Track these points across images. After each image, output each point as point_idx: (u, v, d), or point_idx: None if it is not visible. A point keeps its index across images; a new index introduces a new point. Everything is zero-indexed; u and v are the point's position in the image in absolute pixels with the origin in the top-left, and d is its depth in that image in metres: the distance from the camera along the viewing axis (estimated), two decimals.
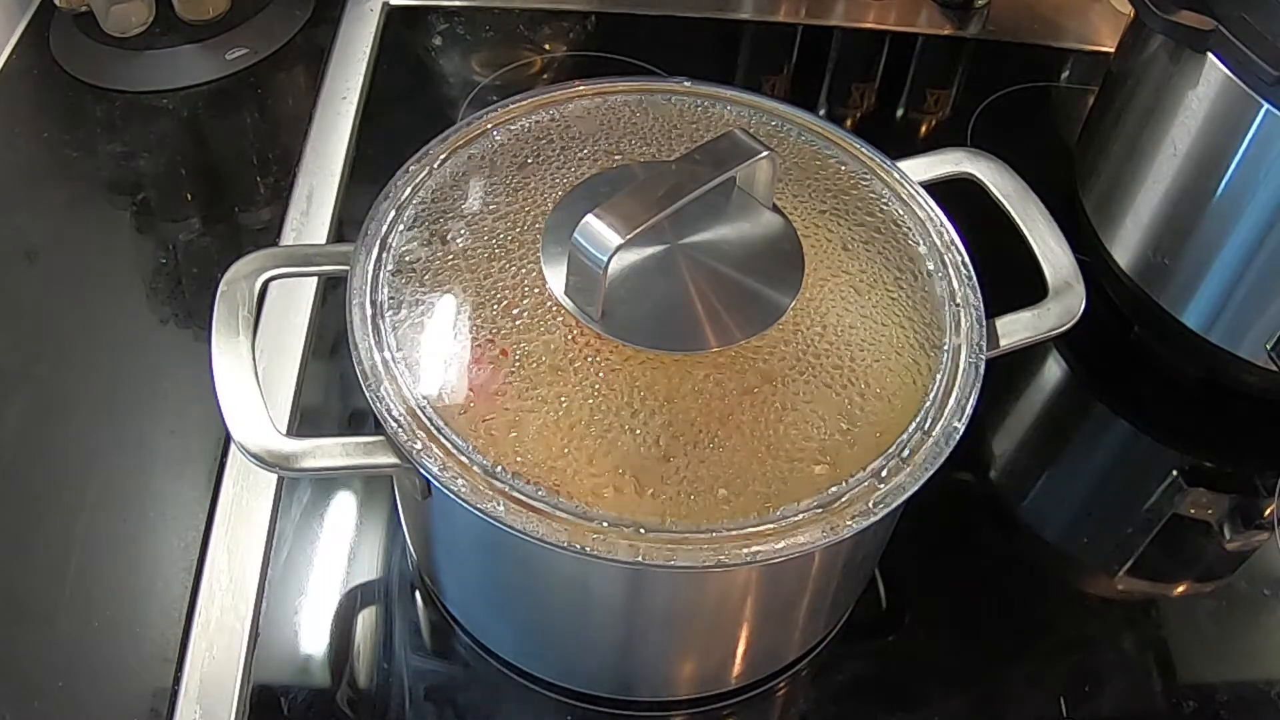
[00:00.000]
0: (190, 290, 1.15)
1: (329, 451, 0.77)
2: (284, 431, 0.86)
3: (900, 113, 1.43)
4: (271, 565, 0.97)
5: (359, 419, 1.07)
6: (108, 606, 0.95)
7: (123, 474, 1.02)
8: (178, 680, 0.91)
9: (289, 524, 0.99)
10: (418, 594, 0.97)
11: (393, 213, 0.87)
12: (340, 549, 0.99)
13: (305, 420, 1.06)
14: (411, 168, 0.91)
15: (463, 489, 0.74)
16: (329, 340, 1.12)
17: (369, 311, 0.81)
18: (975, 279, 0.88)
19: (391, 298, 0.82)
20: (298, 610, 0.95)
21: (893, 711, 0.95)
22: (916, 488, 0.77)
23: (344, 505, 1.02)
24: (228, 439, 0.78)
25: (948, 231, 0.91)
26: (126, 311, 1.14)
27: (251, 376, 0.79)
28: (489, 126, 0.95)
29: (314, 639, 0.94)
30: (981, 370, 0.83)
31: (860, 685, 0.96)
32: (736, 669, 0.92)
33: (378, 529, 1.00)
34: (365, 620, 0.96)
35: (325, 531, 1.00)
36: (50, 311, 1.14)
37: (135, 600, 0.95)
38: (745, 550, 0.74)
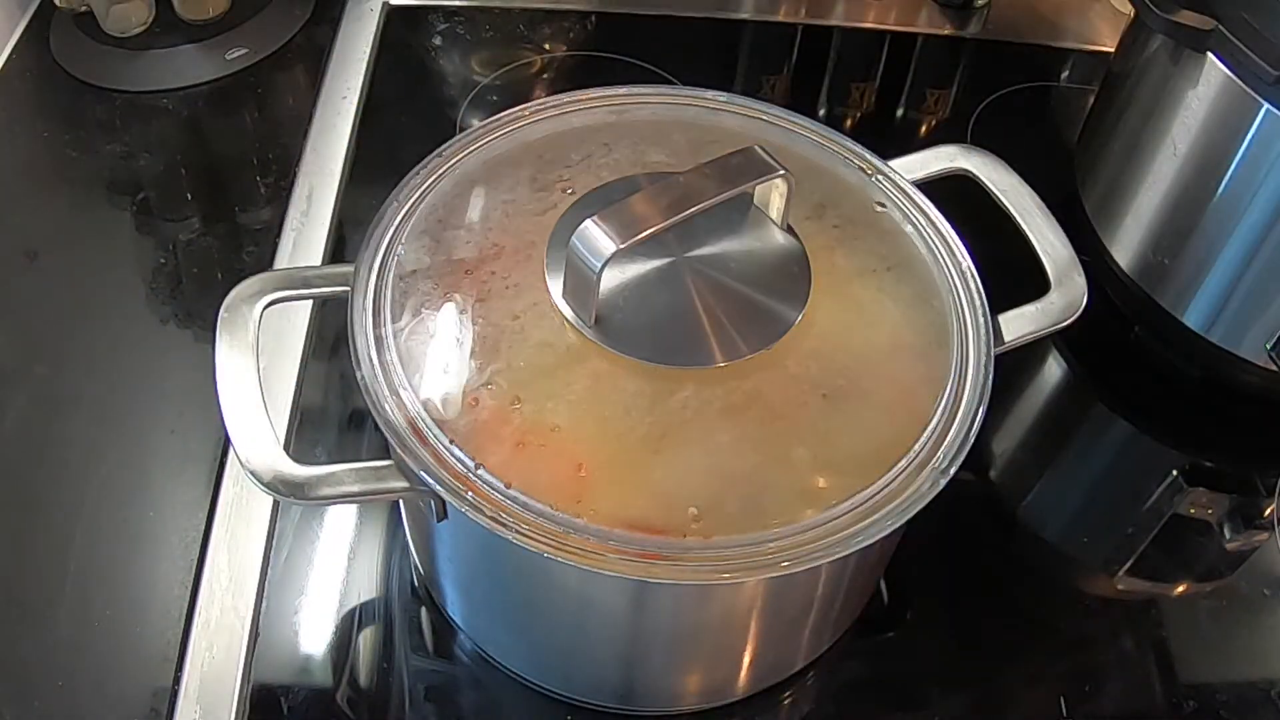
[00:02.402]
0: (190, 290, 1.15)
1: (341, 479, 0.77)
2: (286, 438, 0.87)
3: (900, 112, 1.43)
4: (271, 565, 0.97)
5: (359, 418, 1.07)
6: (108, 606, 0.95)
7: (123, 474, 1.02)
8: (178, 680, 0.91)
9: (289, 524, 0.99)
10: (419, 596, 0.97)
11: (392, 230, 0.87)
12: (341, 548, 0.99)
13: (306, 421, 1.06)
14: (413, 179, 0.91)
15: (486, 516, 0.74)
16: (329, 339, 1.12)
17: (371, 336, 0.81)
18: (982, 287, 0.88)
19: (395, 318, 0.82)
20: (298, 610, 0.95)
21: (893, 712, 0.96)
22: (930, 499, 0.77)
23: (345, 505, 1.01)
24: (228, 439, 0.78)
25: (951, 239, 0.91)
26: (126, 311, 1.14)
27: (259, 405, 0.79)
28: (493, 136, 0.94)
29: (314, 639, 0.94)
30: (990, 375, 0.83)
31: (861, 686, 0.96)
32: (742, 680, 0.92)
33: (378, 529, 1.00)
34: (365, 620, 0.96)
35: (325, 531, 1.00)
36: (50, 311, 1.14)
37: (135, 600, 0.95)
38: (756, 566, 0.74)
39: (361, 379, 0.78)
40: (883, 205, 0.93)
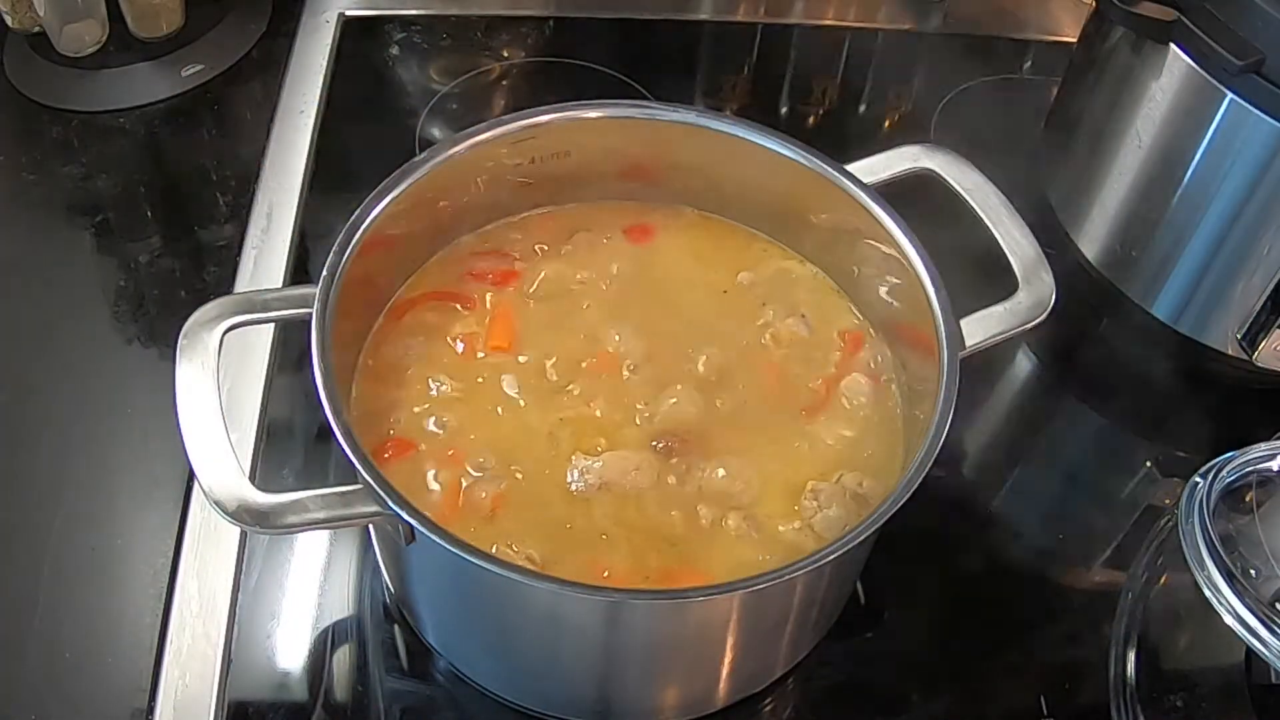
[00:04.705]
0: (153, 311, 1.14)
1: (307, 506, 0.76)
2: (252, 459, 0.87)
3: (863, 109, 1.43)
4: (242, 589, 0.96)
5: (326, 434, 1.06)
6: (79, 637, 0.94)
7: (89, 501, 1.01)
8: (151, 710, 0.90)
9: (259, 546, 0.98)
10: (391, 615, 0.96)
11: (351, 251, 0.87)
12: (312, 569, 0.98)
13: (272, 438, 1.05)
14: (372, 200, 0.90)
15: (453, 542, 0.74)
16: (294, 353, 1.11)
17: (333, 366, 0.81)
18: (945, 291, 0.88)
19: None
20: (270, 634, 0.94)
21: (873, 715, 0.95)
22: (900, 504, 0.77)
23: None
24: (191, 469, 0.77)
25: (915, 246, 0.91)
26: (89, 334, 1.13)
27: (222, 433, 0.78)
28: (451, 152, 0.94)
29: (288, 662, 0.94)
30: (956, 380, 0.83)
31: (841, 690, 0.96)
32: (721, 691, 0.92)
33: (349, 549, 0.99)
34: (339, 641, 0.95)
35: (296, 553, 0.99)
36: (11, 336, 1.12)
37: (106, 630, 0.94)
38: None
39: (324, 408, 0.78)
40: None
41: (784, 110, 1.41)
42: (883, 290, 0.96)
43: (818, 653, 0.96)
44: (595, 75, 1.39)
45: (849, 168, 0.95)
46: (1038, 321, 0.90)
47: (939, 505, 1.05)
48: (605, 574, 0.83)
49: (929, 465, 0.78)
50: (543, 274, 1.00)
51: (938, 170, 0.96)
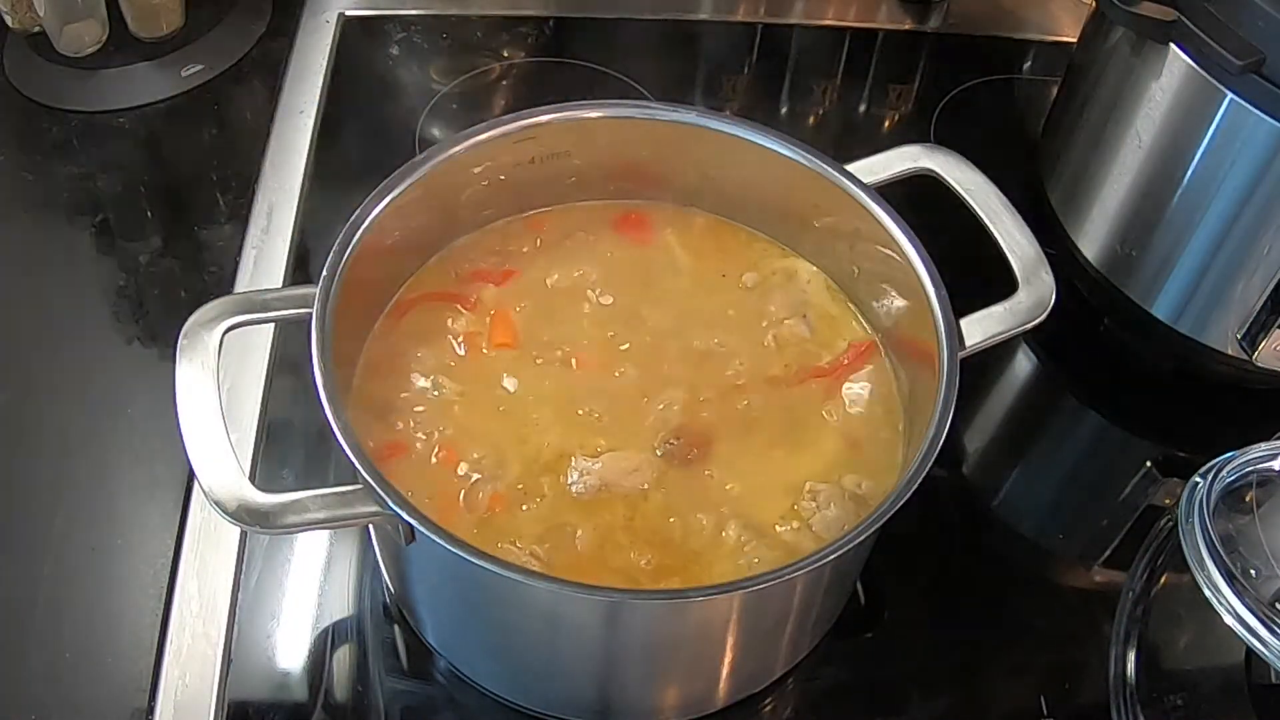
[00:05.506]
0: (153, 311, 1.14)
1: (307, 506, 0.76)
2: (252, 459, 0.86)
3: (863, 109, 1.42)
4: (242, 589, 0.96)
5: (326, 434, 1.06)
6: (79, 637, 0.94)
7: (89, 501, 1.01)
8: (151, 710, 0.90)
9: (259, 546, 0.98)
10: (391, 615, 0.96)
11: (352, 251, 0.87)
12: (312, 569, 0.98)
13: (272, 439, 1.05)
14: (372, 199, 0.90)
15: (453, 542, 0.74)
16: (294, 353, 1.11)
17: (333, 366, 0.81)
18: (945, 290, 0.88)
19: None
20: (271, 634, 0.94)
21: (873, 715, 0.95)
22: (901, 503, 0.78)
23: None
24: (191, 469, 0.77)
25: (914, 246, 0.91)
26: (89, 335, 1.13)
27: (222, 433, 0.78)
28: (452, 151, 0.94)
29: (288, 662, 0.94)
30: (956, 380, 0.83)
31: (841, 690, 0.96)
32: (721, 691, 0.92)
33: (349, 548, 0.99)
34: (339, 641, 0.95)
35: (296, 553, 0.99)
36: (11, 337, 1.12)
37: (106, 630, 0.94)
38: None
39: (324, 408, 0.78)
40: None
41: (784, 110, 1.41)
42: (883, 290, 0.96)
43: (818, 653, 0.96)
44: (595, 75, 1.39)
45: (849, 168, 0.95)
46: (1038, 321, 0.90)
47: (939, 505, 1.05)
48: (605, 574, 0.83)
49: (929, 465, 0.78)
50: (543, 274, 1.00)
51: (938, 170, 0.96)
